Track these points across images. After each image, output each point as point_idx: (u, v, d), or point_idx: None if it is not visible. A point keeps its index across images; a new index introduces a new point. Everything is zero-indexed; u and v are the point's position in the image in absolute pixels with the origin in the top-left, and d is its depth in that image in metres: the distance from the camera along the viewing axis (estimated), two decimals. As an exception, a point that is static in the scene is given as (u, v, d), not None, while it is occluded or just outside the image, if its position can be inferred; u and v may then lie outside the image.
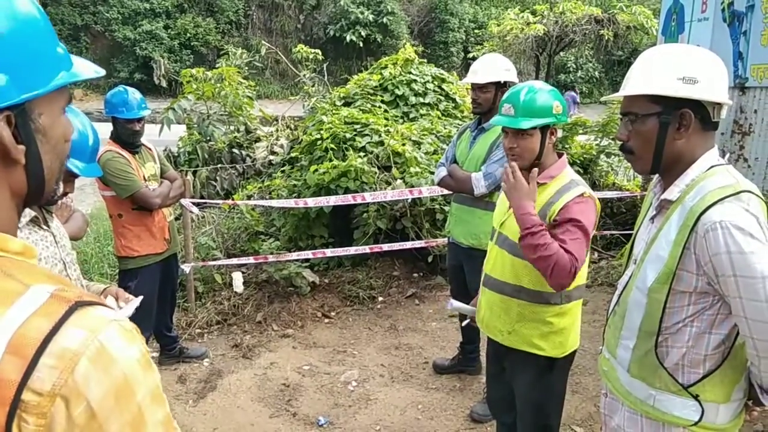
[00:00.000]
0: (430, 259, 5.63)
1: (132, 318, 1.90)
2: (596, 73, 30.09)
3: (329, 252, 5.35)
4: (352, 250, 5.37)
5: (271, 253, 5.36)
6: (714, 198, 1.50)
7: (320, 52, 9.86)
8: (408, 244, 5.41)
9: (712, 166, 1.61)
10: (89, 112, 15.50)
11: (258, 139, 8.03)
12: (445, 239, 4.50)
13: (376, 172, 5.56)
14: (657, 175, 1.76)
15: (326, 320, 5.04)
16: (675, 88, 1.56)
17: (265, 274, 5.37)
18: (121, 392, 0.73)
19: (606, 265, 5.90)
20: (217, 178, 7.35)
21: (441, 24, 29.86)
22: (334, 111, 6.83)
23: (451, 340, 4.62)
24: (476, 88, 3.53)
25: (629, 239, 1.91)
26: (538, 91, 2.35)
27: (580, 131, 7.21)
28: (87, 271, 5.50)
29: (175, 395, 3.89)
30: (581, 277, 2.37)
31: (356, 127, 6.12)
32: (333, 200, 5.13)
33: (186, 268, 4.77)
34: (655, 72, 1.61)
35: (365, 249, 5.33)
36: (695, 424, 1.61)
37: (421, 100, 7.37)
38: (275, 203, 5.50)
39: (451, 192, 3.83)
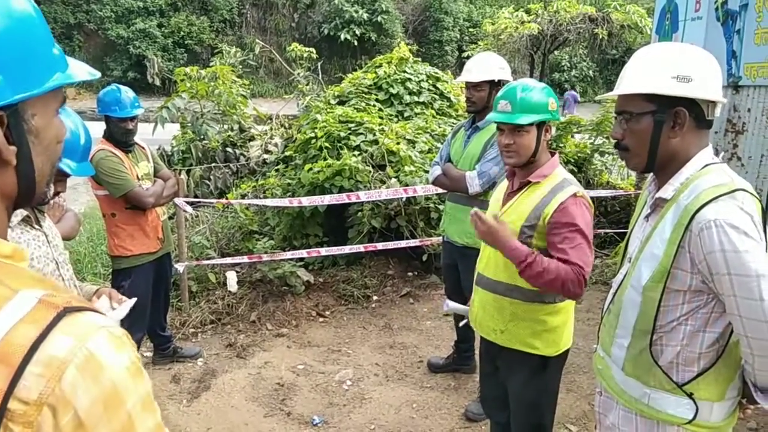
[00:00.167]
0: (424, 258, 5.63)
1: (126, 318, 1.90)
2: (590, 71, 30.21)
3: (324, 251, 5.34)
4: (346, 249, 5.36)
5: (266, 252, 5.35)
6: (709, 196, 1.51)
7: (314, 51, 9.86)
8: (402, 243, 5.40)
9: (706, 165, 1.61)
10: (82, 111, 15.45)
11: (252, 138, 8.01)
12: (440, 238, 4.51)
13: (370, 171, 5.56)
14: (651, 174, 1.76)
15: (321, 319, 5.04)
16: (669, 86, 1.57)
17: (259, 273, 5.35)
18: (110, 400, 0.71)
19: (600, 263, 5.91)
20: (211, 177, 7.33)
21: (435, 23, 29.89)
22: (328, 110, 6.82)
23: (445, 338, 4.62)
24: (470, 86, 3.53)
25: (623, 238, 1.92)
26: (534, 88, 2.36)
27: (575, 130, 7.23)
28: (80, 271, 5.48)
29: (169, 395, 3.88)
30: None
31: (351, 125, 6.11)
32: (327, 199, 5.12)
33: (180, 267, 4.76)
34: (650, 71, 1.61)
35: (360, 248, 5.33)
36: (689, 422, 1.62)
37: (416, 98, 7.36)
38: (269, 202, 5.49)
39: (445, 191, 3.82)
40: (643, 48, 1.73)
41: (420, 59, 8.46)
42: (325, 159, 5.60)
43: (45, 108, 0.82)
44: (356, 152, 5.72)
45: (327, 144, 5.87)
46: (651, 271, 1.62)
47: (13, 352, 0.67)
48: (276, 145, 7.77)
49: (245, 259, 5.22)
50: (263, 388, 3.96)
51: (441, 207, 5.21)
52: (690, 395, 1.61)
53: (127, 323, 2.56)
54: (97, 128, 3.25)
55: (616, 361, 1.77)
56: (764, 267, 1.43)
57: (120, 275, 3.76)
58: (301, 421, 3.62)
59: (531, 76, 20.65)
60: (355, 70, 8.61)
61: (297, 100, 9.14)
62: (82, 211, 7.39)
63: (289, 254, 5.25)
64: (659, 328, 1.63)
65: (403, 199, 5.45)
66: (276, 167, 6.84)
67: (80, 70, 0.88)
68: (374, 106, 7.08)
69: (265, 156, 7.63)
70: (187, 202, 4.94)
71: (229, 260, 5.26)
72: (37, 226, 1.98)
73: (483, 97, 3.51)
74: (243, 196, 6.28)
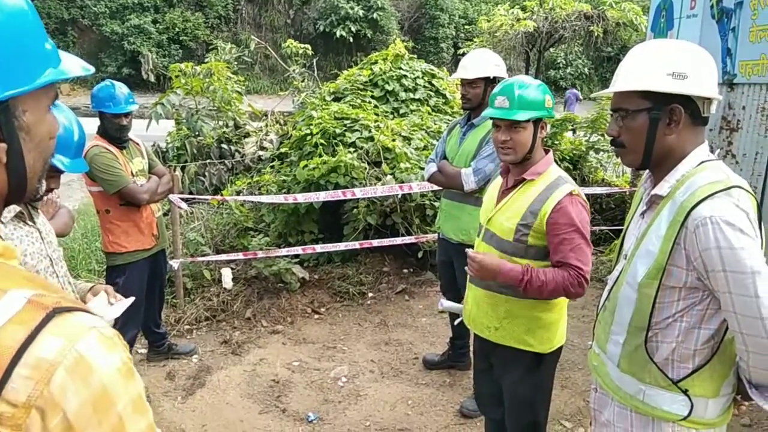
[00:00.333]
0: (420, 255, 5.63)
1: (120, 315, 1.88)
2: (586, 69, 30.24)
3: (319, 248, 5.33)
4: (341, 246, 5.35)
5: (261, 249, 5.34)
6: (704, 193, 1.51)
7: (310, 48, 9.82)
8: (398, 240, 5.40)
9: (702, 162, 1.61)
10: (76, 107, 15.40)
11: (247, 135, 7.99)
12: (435, 235, 4.50)
13: (366, 168, 5.55)
14: (647, 171, 1.76)
15: (316, 316, 5.03)
16: (665, 83, 1.56)
17: (254, 270, 5.34)
18: (100, 403, 0.71)
19: (595, 260, 5.91)
20: (206, 173, 7.31)
21: (431, 20, 29.88)
22: (323, 106, 6.82)
23: (440, 335, 4.62)
24: (466, 83, 3.52)
25: (618, 235, 1.92)
26: (530, 85, 2.35)
27: (570, 127, 7.24)
28: (74, 268, 5.46)
29: (164, 392, 3.87)
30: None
31: (346, 122, 6.11)
32: (323, 196, 5.11)
33: (174, 264, 4.74)
34: (645, 68, 1.61)
35: (355, 245, 5.32)
36: (684, 418, 1.62)
37: (411, 95, 7.36)
38: (264, 199, 5.48)
39: (441, 188, 3.82)
40: (638, 45, 1.72)
41: (415, 56, 8.45)
42: (320, 156, 5.59)
43: (36, 104, 0.81)
44: (352, 149, 5.72)
45: (322, 141, 5.86)
46: (646, 267, 1.62)
47: (0, 354, 0.66)
48: (271, 141, 7.75)
49: (240, 255, 5.21)
50: (258, 385, 3.96)
51: (436, 204, 5.20)
52: (685, 392, 1.62)
53: (122, 320, 2.55)
54: (91, 124, 3.23)
55: (611, 357, 1.77)
56: (759, 264, 1.44)
57: (114, 272, 3.74)
58: (296, 418, 3.62)
59: (526, 73, 20.69)
60: (351, 67, 8.61)
61: (292, 97, 9.11)
62: (76, 208, 7.37)
63: (284, 251, 5.25)
64: (654, 324, 1.63)
65: (399, 196, 5.45)
66: (271, 164, 6.82)
67: (74, 66, 0.87)
68: (370, 102, 7.08)
69: (260, 153, 7.61)
70: (182, 199, 4.93)
71: (224, 257, 5.25)
72: (30, 223, 1.97)
73: (478, 94, 3.50)
74: (238, 193, 6.26)
